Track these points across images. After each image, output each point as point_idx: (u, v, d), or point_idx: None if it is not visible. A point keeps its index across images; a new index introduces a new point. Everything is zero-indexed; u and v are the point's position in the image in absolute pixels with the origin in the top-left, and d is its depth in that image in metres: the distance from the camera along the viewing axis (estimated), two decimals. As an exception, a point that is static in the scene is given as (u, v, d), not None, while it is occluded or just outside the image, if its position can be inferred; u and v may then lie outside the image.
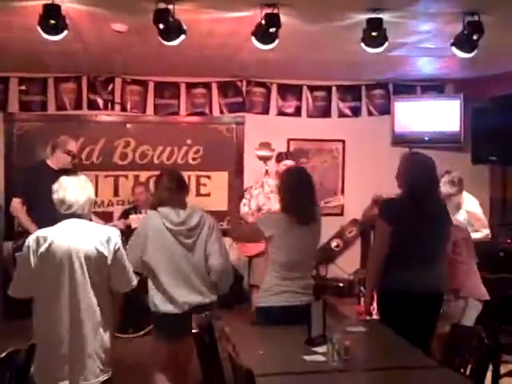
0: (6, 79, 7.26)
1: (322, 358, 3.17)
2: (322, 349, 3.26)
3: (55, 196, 3.39)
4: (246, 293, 7.26)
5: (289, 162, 5.94)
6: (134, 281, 3.46)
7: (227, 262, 4.14)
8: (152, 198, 4.07)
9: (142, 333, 5.72)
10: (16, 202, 5.57)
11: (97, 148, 7.46)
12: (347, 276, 7.58)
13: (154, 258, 3.92)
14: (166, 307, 3.93)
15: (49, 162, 5.58)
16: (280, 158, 6.11)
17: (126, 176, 7.56)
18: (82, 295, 3.30)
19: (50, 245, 3.28)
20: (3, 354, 2.60)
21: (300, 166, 5.77)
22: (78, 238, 3.32)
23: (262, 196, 6.14)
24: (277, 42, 4.43)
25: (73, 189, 3.37)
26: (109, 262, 3.33)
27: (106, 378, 3.41)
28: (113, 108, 7.52)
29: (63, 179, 3.43)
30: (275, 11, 4.23)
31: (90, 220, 3.51)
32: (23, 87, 7.30)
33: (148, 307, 4.06)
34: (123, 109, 7.53)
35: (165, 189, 4.03)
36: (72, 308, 3.29)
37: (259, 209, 6.06)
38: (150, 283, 4.01)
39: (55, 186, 3.41)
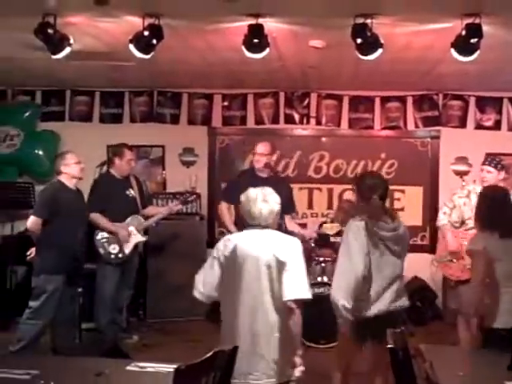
0: (211, 96, 7.74)
1: (525, 385, 3.00)
2: (526, 375, 3.08)
3: (242, 206, 3.58)
4: (438, 311, 7.09)
5: (490, 169, 5.15)
6: (308, 292, 3.44)
7: None
8: (356, 206, 4.06)
9: (332, 344, 5.76)
10: (223, 205, 5.90)
11: (292, 161, 7.68)
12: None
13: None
14: (371, 309, 3.87)
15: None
16: (488, 163, 5.23)
17: (320, 189, 7.69)
18: (259, 300, 3.42)
19: (233, 249, 3.47)
20: (209, 354, 2.74)
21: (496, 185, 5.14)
22: (260, 245, 3.47)
23: (469, 208, 5.11)
24: (477, 53, 4.29)
25: (257, 202, 3.52)
26: (286, 269, 3.41)
27: (279, 382, 3.45)
28: (308, 122, 7.71)
29: (250, 192, 3.59)
30: (477, 21, 4.12)
31: (276, 229, 3.60)
32: (225, 103, 7.74)
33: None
34: (318, 123, 7.69)
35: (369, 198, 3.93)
36: (249, 311, 3.42)
37: (463, 222, 5.26)
38: None
39: (243, 197, 3.59)
